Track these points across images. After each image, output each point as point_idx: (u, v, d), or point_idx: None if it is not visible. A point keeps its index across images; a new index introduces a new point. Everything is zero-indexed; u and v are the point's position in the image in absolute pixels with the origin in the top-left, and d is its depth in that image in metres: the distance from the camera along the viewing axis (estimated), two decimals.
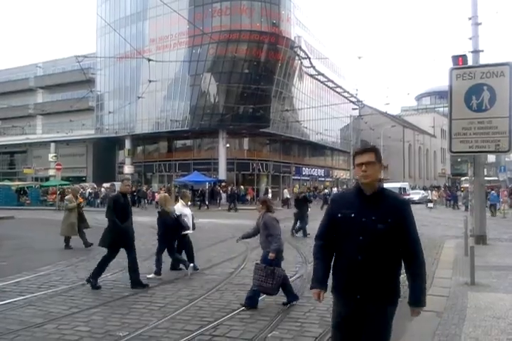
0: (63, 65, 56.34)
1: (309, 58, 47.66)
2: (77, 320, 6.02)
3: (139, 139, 48.35)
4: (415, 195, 43.94)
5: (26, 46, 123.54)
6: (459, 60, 12.46)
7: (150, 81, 28.39)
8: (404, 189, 40.79)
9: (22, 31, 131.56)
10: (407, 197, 39.85)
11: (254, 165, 44.63)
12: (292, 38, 43.99)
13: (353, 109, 57.36)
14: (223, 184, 40.53)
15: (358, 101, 58.71)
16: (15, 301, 6.95)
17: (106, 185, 44.00)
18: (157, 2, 37.42)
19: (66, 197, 13.73)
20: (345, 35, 56.88)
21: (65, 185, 41.32)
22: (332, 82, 55.80)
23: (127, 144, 47.77)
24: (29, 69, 60.94)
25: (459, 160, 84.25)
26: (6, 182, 45.90)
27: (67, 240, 12.95)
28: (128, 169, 47.50)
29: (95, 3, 50.95)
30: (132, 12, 46.72)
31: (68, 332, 5.52)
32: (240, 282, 8.22)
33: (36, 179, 52.33)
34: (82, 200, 14.13)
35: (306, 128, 50.65)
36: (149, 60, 21.27)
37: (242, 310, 6.37)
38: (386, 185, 41.33)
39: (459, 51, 13.95)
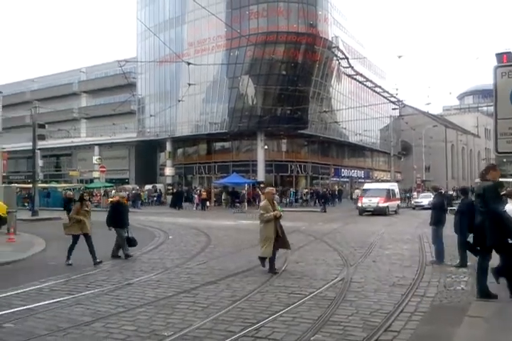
0: (105, 70, 57.88)
1: (347, 58, 47.15)
2: (124, 319, 6.18)
3: (179, 141, 49.10)
4: (424, 199, 34.80)
5: (71, 52, 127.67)
6: (504, 58, 12.06)
7: (189, 84, 28.76)
8: (393, 191, 31.08)
9: (67, 38, 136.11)
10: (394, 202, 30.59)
11: (293, 166, 44.52)
12: (330, 39, 43.66)
13: (393, 109, 56.34)
14: (262, 185, 40.64)
15: (398, 101, 57.63)
16: (64, 300, 7.20)
17: (148, 186, 44.99)
18: (195, 6, 38.03)
19: (261, 204, 9.82)
20: (385, 34, 55.98)
21: (109, 186, 42.45)
22: (371, 81, 55.02)
23: (168, 147, 48.60)
24: (73, 74, 62.92)
25: (505, 160, 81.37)
26: (53, 184, 47.59)
27: (262, 260, 9.63)
28: (169, 171, 48.33)
29: (135, 8, 52.20)
30: (171, 16, 47.53)
31: (115, 331, 5.68)
32: (280, 284, 8.23)
33: (81, 181, 53.87)
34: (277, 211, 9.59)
35: (345, 129, 50.10)
36: (188, 63, 21.56)
37: (285, 312, 6.38)
38: (368, 186, 31.79)
39: (504, 48, 13.48)
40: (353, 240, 14.87)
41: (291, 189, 41.36)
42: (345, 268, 9.78)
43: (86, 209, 10.84)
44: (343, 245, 13.49)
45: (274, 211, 9.40)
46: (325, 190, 37.68)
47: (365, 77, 53.13)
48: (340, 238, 15.53)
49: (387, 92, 58.95)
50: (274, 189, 10.76)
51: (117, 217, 11.57)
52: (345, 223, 22.45)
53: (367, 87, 55.42)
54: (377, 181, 46.90)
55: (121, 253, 11.42)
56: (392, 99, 58.47)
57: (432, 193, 19.65)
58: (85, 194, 11.62)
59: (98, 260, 10.40)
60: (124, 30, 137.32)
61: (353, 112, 49.76)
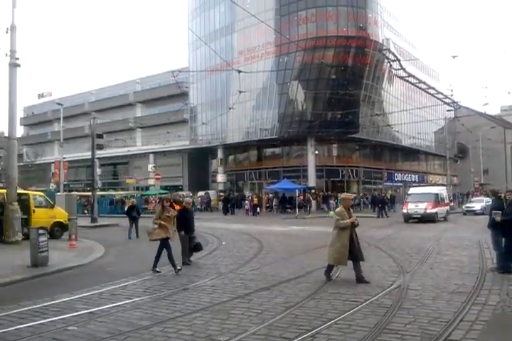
0: (159, 80, 59.52)
1: (399, 60, 46.26)
2: (181, 323, 6.31)
3: (230, 148, 49.72)
4: (477, 204, 33.43)
5: (126, 64, 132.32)
6: None
7: (240, 92, 29.09)
8: (442, 196, 28.63)
9: (123, 50, 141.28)
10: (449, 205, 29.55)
11: (344, 171, 44.03)
12: (380, 41, 42.99)
13: (448, 110, 54.72)
14: (313, 191, 40.41)
15: (453, 102, 55.88)
16: (123, 304, 7.45)
17: (201, 193, 45.79)
18: (245, 15, 38.62)
19: (337, 210, 9.41)
20: (438, 34, 54.59)
21: (164, 193, 43.54)
22: (424, 83, 53.70)
23: (219, 153, 49.34)
24: (129, 85, 65.07)
25: None
26: (111, 192, 49.38)
27: (329, 268, 9.16)
28: (220, 177, 49.02)
29: (187, 19, 53.48)
30: (221, 26, 48.36)
31: (173, 335, 5.82)
32: (335, 291, 8.15)
33: (137, 188, 55.50)
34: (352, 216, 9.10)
35: (398, 132, 49.10)
36: (239, 71, 21.87)
37: (340, 320, 6.32)
38: (414, 190, 29.66)
39: None
40: (409, 246, 14.52)
41: (340, 194, 40.12)
42: (401, 275, 9.56)
43: (167, 214, 10.64)
44: (398, 251, 13.19)
45: (350, 218, 8.99)
46: (383, 195, 36.45)
47: (417, 79, 51.93)
48: (395, 244, 15.20)
49: (442, 94, 57.35)
50: (351, 195, 10.12)
51: (184, 222, 11.50)
52: (399, 229, 21.96)
53: (420, 88, 54.15)
54: (433, 185, 45.31)
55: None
56: (447, 100, 56.80)
57: (490, 197, 18.77)
58: (165, 200, 11.42)
59: (158, 269, 10.33)
60: (176, 40, 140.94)
61: (405, 115, 48.69)
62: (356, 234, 9.11)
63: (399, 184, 52.50)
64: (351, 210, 9.49)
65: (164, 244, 10.39)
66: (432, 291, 7.99)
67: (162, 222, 10.40)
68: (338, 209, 9.37)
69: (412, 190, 30.40)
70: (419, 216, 26.02)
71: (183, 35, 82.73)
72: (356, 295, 7.81)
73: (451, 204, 39.83)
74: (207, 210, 42.90)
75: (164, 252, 10.38)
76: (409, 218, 26.36)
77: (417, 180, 56.32)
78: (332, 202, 34.81)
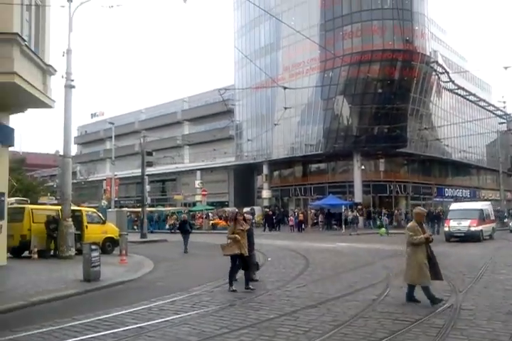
0: (206, 98, 60.83)
1: (447, 73, 45.35)
2: (228, 340, 6.32)
3: (275, 164, 49.85)
4: None
5: (175, 83, 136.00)
6: None
7: (285, 108, 29.27)
8: (487, 212, 26.36)
9: (172, 70, 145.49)
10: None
11: (392, 187, 43.20)
12: (428, 54, 42.37)
13: (500, 123, 52.90)
14: (359, 207, 39.78)
15: (506, 114, 54.03)
16: (172, 319, 7.54)
17: (246, 209, 45.95)
18: (289, 31, 39.06)
19: (409, 225, 8.66)
20: (487, 46, 53.41)
21: (210, 209, 44.04)
22: (474, 95, 52.28)
23: (265, 169, 49.55)
24: (177, 103, 66.89)
25: None
26: (159, 208, 50.43)
27: (411, 290, 8.53)
28: (266, 193, 49.12)
29: (233, 38, 54.66)
30: (266, 43, 49.09)
31: None
32: (384, 310, 7.95)
33: (185, 204, 56.40)
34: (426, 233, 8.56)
35: (448, 146, 47.86)
36: (285, 88, 22.07)
37: (389, 340, 6.16)
38: (456, 206, 27.18)
39: None
40: (461, 264, 14.03)
41: (384, 210, 38.88)
42: (453, 294, 9.23)
43: (241, 228, 10.30)
44: (449, 270, 12.71)
45: (424, 233, 8.41)
46: (438, 210, 34.83)
47: (467, 91, 50.69)
48: (447, 262, 14.66)
49: (493, 106, 55.62)
50: (425, 210, 9.54)
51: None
52: (450, 246, 21.26)
53: (470, 101, 52.78)
54: (485, 200, 43.42)
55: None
56: (499, 112, 55.00)
57: None
58: (239, 214, 11.15)
59: (251, 287, 10.08)
60: (223, 59, 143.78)
61: (455, 128, 47.53)
62: (432, 251, 8.53)
63: (449, 200, 50.82)
64: (424, 225, 8.94)
65: (234, 260, 10.24)
66: (486, 311, 7.67)
67: (237, 236, 10.11)
68: (410, 224, 8.71)
69: (453, 206, 28.06)
70: (462, 234, 23.75)
71: (230, 54, 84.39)
72: (406, 314, 7.59)
73: (506, 220, 38.15)
74: (251, 226, 42.92)
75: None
76: (450, 237, 24.07)
77: (469, 196, 54.50)
78: (385, 218, 33.89)
